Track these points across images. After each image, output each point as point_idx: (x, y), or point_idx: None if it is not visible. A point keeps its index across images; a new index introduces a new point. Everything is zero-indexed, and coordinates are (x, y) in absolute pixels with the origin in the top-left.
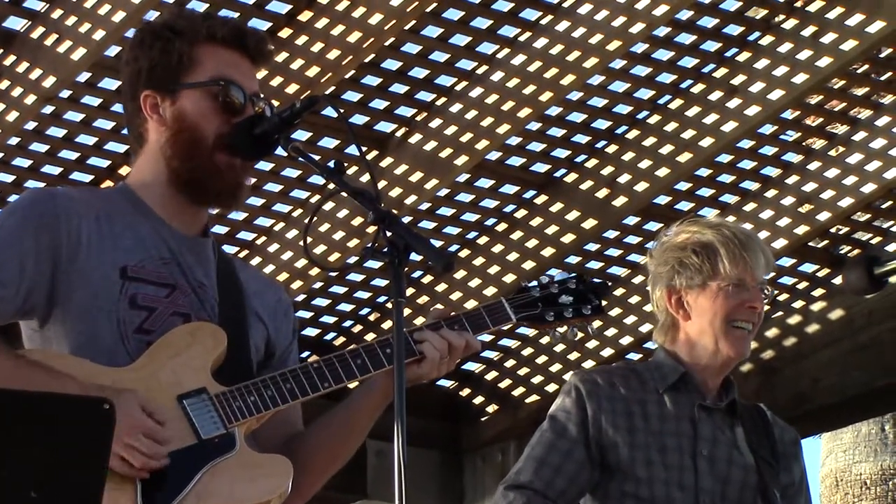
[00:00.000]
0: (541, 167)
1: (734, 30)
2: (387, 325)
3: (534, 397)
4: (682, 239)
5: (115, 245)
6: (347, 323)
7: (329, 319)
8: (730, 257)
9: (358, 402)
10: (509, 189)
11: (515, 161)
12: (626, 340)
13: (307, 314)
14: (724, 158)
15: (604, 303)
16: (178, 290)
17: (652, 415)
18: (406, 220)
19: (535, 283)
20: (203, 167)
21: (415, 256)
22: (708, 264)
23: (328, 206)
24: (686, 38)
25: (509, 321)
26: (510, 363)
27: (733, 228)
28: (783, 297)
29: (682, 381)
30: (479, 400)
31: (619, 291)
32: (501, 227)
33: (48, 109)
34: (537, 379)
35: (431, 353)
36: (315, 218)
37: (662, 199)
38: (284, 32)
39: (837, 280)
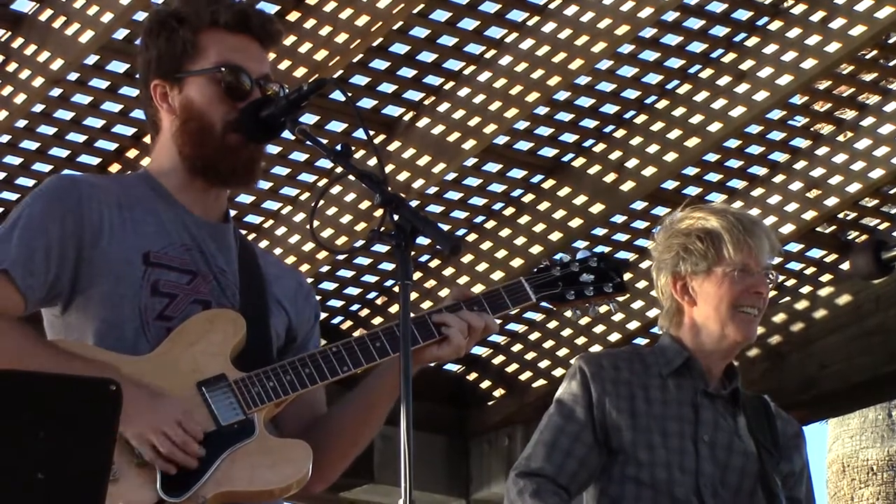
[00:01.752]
0: (549, 151)
1: (743, 15)
2: (394, 308)
3: (540, 382)
4: (686, 225)
5: (137, 231)
6: (354, 306)
7: (336, 303)
8: (734, 243)
9: (377, 384)
10: (517, 173)
11: (523, 145)
12: (634, 325)
13: None
14: (732, 143)
15: (626, 278)
16: (199, 276)
17: (654, 399)
18: (413, 203)
19: (557, 257)
20: (215, 151)
21: (422, 240)
22: (713, 250)
23: (335, 189)
24: (695, 23)
25: (529, 301)
26: (517, 347)
27: (737, 214)
28: (790, 282)
29: (686, 366)
30: (485, 384)
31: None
32: (509, 211)
33: (56, 92)
34: (544, 363)
35: (451, 335)
36: (322, 201)
37: (670, 184)
38: (293, 16)
39: (845, 265)
